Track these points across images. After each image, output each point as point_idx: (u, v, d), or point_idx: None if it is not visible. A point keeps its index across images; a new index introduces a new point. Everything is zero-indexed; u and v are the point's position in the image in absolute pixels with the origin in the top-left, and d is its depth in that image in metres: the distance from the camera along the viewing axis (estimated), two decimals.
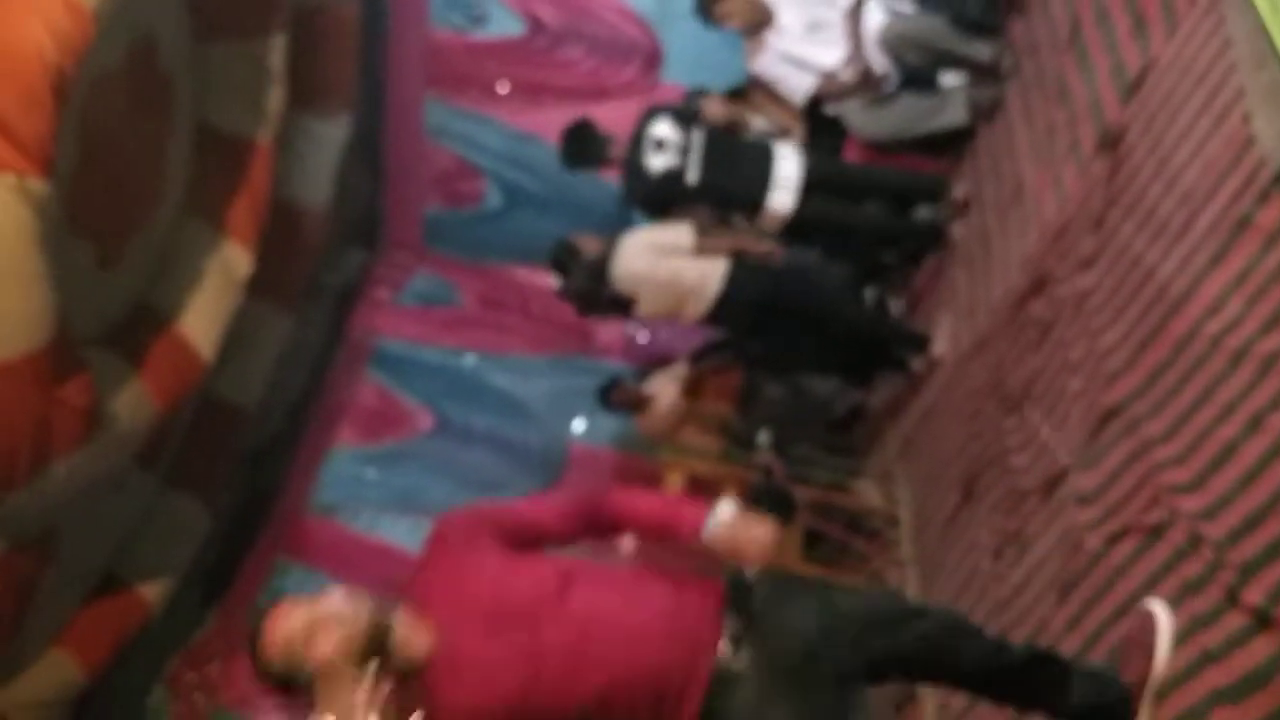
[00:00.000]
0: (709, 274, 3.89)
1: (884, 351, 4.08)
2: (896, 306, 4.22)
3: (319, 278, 4.61)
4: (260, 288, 3.83)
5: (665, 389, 4.30)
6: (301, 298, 4.33)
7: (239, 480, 4.25)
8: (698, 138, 3.97)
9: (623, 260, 3.94)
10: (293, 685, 1.75)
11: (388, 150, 4.89)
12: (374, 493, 4.53)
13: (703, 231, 3.92)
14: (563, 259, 4.07)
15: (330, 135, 4.23)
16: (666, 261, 3.90)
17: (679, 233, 3.94)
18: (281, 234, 3.96)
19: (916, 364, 3.97)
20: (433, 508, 4.52)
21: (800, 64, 4.08)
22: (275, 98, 3.72)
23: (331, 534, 4.39)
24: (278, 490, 4.45)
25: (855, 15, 3.94)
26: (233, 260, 3.71)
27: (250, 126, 3.72)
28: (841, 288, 4.06)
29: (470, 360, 4.87)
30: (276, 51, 3.62)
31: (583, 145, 4.07)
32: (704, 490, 3.80)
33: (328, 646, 1.70)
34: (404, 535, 4.25)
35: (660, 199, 4.06)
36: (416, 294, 5.03)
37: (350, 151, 4.32)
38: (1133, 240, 2.61)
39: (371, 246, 5.10)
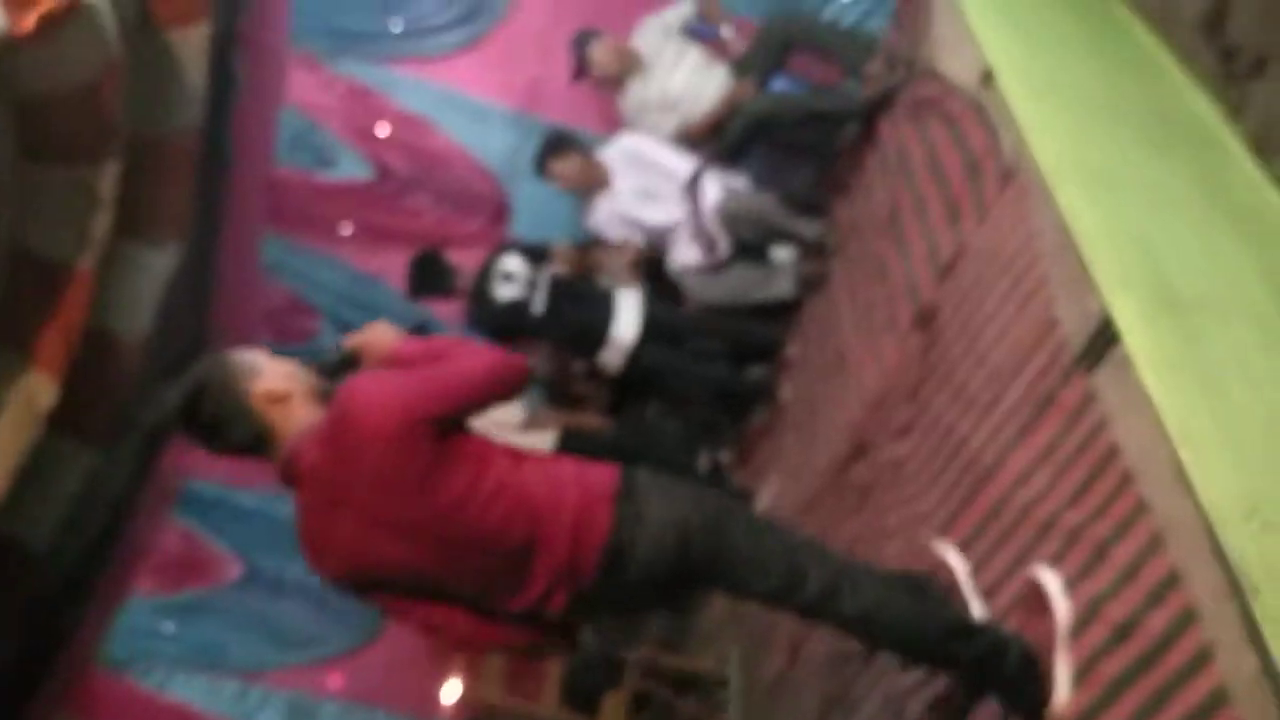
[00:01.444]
0: (536, 448, 3.95)
1: None
2: (726, 457, 4.31)
3: (131, 413, 4.36)
4: (64, 420, 3.61)
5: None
6: (109, 433, 4.08)
7: (21, 628, 3.88)
8: (545, 276, 4.07)
9: None
10: None
11: (218, 283, 4.75)
12: (170, 647, 4.20)
13: (533, 414, 3.99)
14: None
15: (157, 265, 4.09)
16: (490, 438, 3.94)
17: (508, 410, 3.97)
18: (93, 365, 3.76)
19: None
20: (233, 665, 4.25)
21: (632, 224, 4.25)
22: (100, 224, 3.59)
23: (119, 692, 4.03)
24: (64, 641, 4.07)
25: (693, 189, 4.14)
26: (36, 390, 3.49)
27: (71, 252, 3.56)
28: (674, 450, 4.12)
29: (287, 505, 4.65)
30: (108, 178, 3.51)
31: (429, 274, 4.11)
32: (525, 663, 3.73)
33: None
34: (199, 695, 3.94)
35: (504, 327, 4.12)
36: None
37: (177, 283, 4.17)
38: (945, 412, 2.75)
39: None
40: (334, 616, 4.37)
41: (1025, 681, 2.01)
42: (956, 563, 2.29)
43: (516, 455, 2.18)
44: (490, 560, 2.08)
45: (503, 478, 2.08)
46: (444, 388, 2.04)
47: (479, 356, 2.11)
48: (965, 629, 2.15)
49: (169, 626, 4.14)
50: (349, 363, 2.20)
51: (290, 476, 2.09)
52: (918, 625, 2.14)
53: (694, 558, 2.10)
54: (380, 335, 2.21)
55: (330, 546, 2.11)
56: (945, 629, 2.14)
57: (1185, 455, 1.78)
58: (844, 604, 2.10)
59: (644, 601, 2.30)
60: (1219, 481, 1.72)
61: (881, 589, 2.16)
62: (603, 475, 2.16)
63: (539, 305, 4.04)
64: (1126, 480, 1.95)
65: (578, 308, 4.11)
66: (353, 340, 2.23)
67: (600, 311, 4.09)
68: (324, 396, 2.08)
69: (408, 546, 2.04)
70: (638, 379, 4.19)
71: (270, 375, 2.08)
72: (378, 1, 4.29)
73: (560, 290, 4.10)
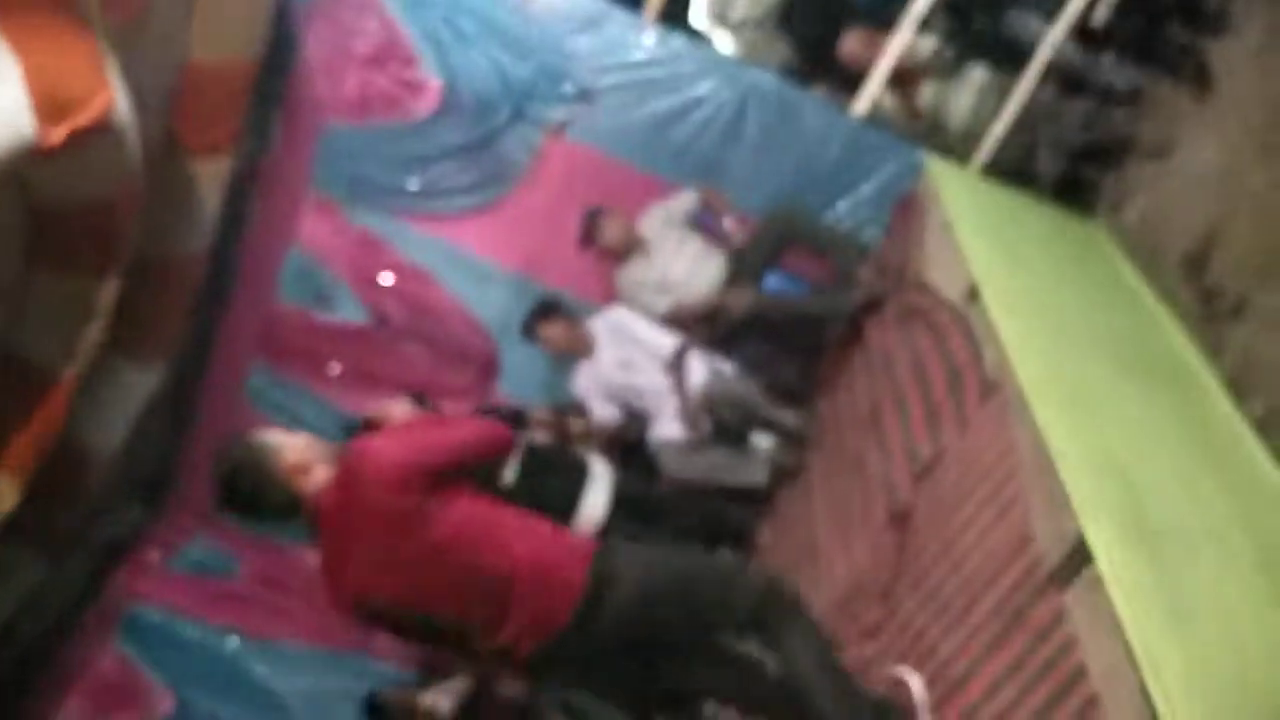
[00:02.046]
0: None
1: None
2: None
3: (88, 527, 4.26)
4: (17, 527, 3.51)
5: (441, 703, 4.07)
6: (61, 546, 3.98)
7: None
8: (520, 443, 4.06)
9: None
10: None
11: (199, 407, 4.73)
12: None
13: None
14: None
15: (138, 383, 4.08)
16: None
17: None
18: (58, 474, 3.69)
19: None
20: None
21: (613, 392, 4.29)
22: (91, 336, 3.59)
23: None
24: None
25: (678, 368, 4.21)
26: None
27: (56, 360, 3.54)
28: None
29: (232, 643, 4.49)
30: (107, 292, 3.53)
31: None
32: None
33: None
34: None
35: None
36: (191, 561, 4.68)
37: (157, 403, 4.16)
38: (916, 615, 2.73)
39: (155, 504, 4.79)
40: None
41: None
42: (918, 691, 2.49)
43: (501, 509, 2.57)
44: (471, 596, 2.45)
45: (488, 527, 2.47)
46: (438, 446, 2.45)
47: (470, 425, 2.60)
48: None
49: None
50: (367, 428, 2.71)
51: (314, 521, 2.51)
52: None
53: (663, 605, 2.52)
54: (397, 411, 2.84)
55: (342, 580, 2.51)
56: None
57: (1151, 682, 1.76)
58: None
59: (607, 665, 2.61)
60: (1184, 712, 1.70)
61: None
62: (581, 538, 2.71)
63: (510, 476, 4.05)
64: (1092, 703, 1.93)
65: (548, 479, 4.11)
66: (374, 411, 2.83)
67: (571, 486, 4.09)
68: (334, 458, 2.50)
69: (402, 581, 2.43)
70: None
71: (292, 451, 2.50)
72: (401, 159, 4.44)
73: (533, 460, 4.09)
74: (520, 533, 2.52)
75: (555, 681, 2.92)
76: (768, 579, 2.69)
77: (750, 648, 2.71)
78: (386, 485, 2.35)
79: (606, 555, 2.55)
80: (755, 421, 4.22)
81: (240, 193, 4.34)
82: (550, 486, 4.09)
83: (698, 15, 5.15)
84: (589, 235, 4.32)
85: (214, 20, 3.65)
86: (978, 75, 4.55)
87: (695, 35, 4.84)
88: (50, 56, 2.66)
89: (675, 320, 4.34)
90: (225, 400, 4.71)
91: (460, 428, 2.56)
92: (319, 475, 2.48)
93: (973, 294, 3.18)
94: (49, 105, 2.64)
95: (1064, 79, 4.49)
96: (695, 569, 2.66)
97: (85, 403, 3.74)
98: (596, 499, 4.07)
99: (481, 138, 4.40)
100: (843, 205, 4.45)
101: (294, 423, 4.61)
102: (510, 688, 4.13)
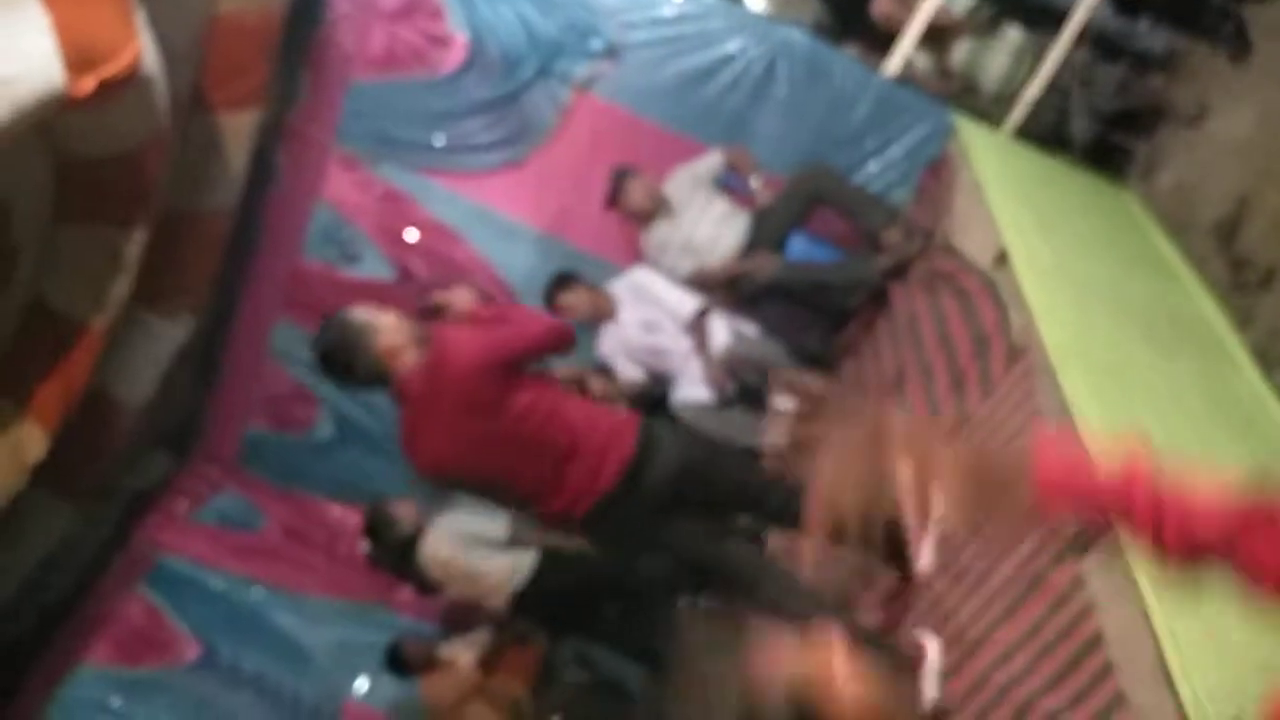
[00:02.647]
0: (516, 568, 3.96)
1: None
2: (704, 605, 4.24)
3: (116, 478, 4.33)
4: (47, 476, 3.57)
5: (462, 655, 4.13)
6: (90, 495, 4.04)
7: None
8: None
9: (429, 545, 3.99)
10: None
11: (225, 362, 4.77)
12: None
13: (516, 529, 3.96)
14: (375, 525, 4.10)
15: (167, 335, 4.12)
16: (473, 551, 3.95)
17: (493, 525, 3.98)
18: (87, 425, 3.74)
19: None
20: None
21: (637, 353, 4.28)
22: (120, 287, 3.62)
23: None
24: (6, 707, 3.94)
25: (698, 328, 4.19)
26: (26, 441, 3.46)
27: (85, 310, 3.58)
28: (657, 589, 4.06)
29: (257, 593, 4.56)
30: (135, 244, 3.55)
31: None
32: None
33: None
34: None
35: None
36: (216, 512, 4.75)
37: (184, 356, 4.20)
38: (935, 581, 2.73)
39: (182, 454, 4.85)
40: (285, 714, 4.24)
41: None
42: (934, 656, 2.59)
43: (561, 393, 3.00)
44: (538, 465, 2.86)
45: (552, 405, 2.88)
46: (512, 343, 2.82)
47: (537, 322, 2.95)
48: None
49: (116, 701, 3.99)
50: (436, 311, 3.14)
51: (400, 397, 2.90)
52: None
53: (697, 473, 3.01)
54: (460, 298, 3.27)
55: (423, 450, 2.89)
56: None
57: (1169, 651, 1.76)
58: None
59: (651, 523, 3.00)
60: (1202, 682, 1.70)
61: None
62: (630, 415, 3.11)
63: None
64: (1107, 670, 1.93)
65: None
66: (439, 297, 3.23)
67: None
68: (421, 340, 2.87)
69: (475, 455, 2.85)
70: None
71: (385, 334, 2.86)
72: (426, 115, 4.41)
73: None
74: (578, 408, 2.96)
75: (604, 537, 3.26)
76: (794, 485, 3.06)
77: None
78: (467, 377, 2.75)
79: (651, 427, 3.03)
80: (778, 383, 4.21)
81: (267, 147, 4.35)
82: None
83: None
84: (614, 198, 4.30)
85: None
86: (1013, 36, 4.48)
87: None
88: (80, 8, 2.66)
89: (699, 282, 4.32)
90: (251, 355, 4.75)
91: (529, 325, 2.89)
92: (408, 358, 2.85)
93: (1001, 259, 3.15)
94: (78, 56, 2.65)
95: (1100, 42, 4.41)
96: (725, 450, 3.31)
97: (113, 355, 3.78)
98: None
99: (508, 94, 4.37)
100: (872, 166, 4.40)
101: (319, 380, 4.64)
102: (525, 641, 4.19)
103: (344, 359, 2.88)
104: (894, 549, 2.80)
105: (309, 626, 4.47)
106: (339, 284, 4.59)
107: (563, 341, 2.95)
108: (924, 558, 2.72)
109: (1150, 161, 4.25)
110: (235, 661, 4.28)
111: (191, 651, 4.28)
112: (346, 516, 4.78)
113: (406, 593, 4.47)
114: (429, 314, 3.09)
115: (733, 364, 4.16)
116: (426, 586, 4.10)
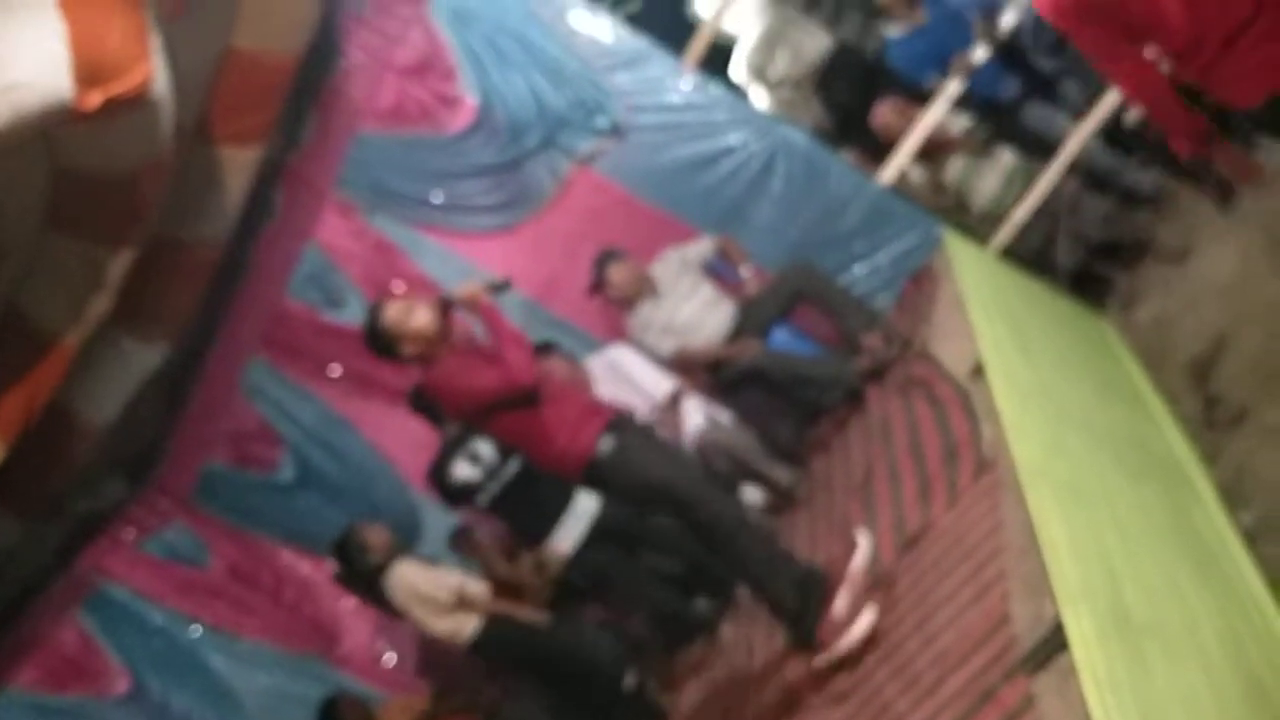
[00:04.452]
0: (457, 633, 3.97)
1: None
2: (651, 683, 4.17)
3: (68, 498, 4.24)
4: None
5: (396, 718, 4.03)
6: (39, 512, 3.96)
7: None
8: (510, 469, 4.07)
9: (395, 576, 4.02)
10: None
11: (193, 393, 4.71)
12: None
13: (463, 592, 3.97)
14: (347, 548, 4.11)
15: (140, 359, 4.08)
16: (418, 608, 3.99)
17: (442, 583, 3.98)
18: (47, 440, 3.68)
19: None
20: None
21: (631, 384, 4.28)
22: (98, 306, 3.60)
23: None
24: None
25: (673, 412, 4.20)
26: None
27: (61, 324, 3.55)
28: (603, 662, 3.99)
29: (195, 632, 4.46)
30: (120, 264, 3.54)
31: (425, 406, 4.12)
32: None
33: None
34: None
35: (449, 501, 4.25)
36: (164, 545, 4.65)
37: (154, 382, 4.15)
38: (886, 686, 2.69)
39: (138, 482, 4.76)
40: None
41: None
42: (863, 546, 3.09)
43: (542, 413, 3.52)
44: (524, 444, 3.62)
45: (537, 431, 3.48)
46: (468, 394, 3.50)
47: (523, 374, 3.48)
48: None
49: None
50: (450, 305, 3.55)
51: (423, 375, 3.60)
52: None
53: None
54: (420, 317, 3.48)
55: (447, 405, 3.64)
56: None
57: None
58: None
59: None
60: None
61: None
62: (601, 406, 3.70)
63: (485, 499, 4.10)
64: None
65: (525, 509, 4.13)
66: (397, 311, 3.49)
67: (545, 521, 4.10)
68: (445, 333, 3.50)
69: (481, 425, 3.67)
70: (584, 581, 4.11)
71: (419, 318, 3.47)
72: (427, 172, 4.46)
73: (518, 486, 4.09)
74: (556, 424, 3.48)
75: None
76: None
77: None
78: (449, 404, 3.59)
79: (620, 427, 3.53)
80: (748, 474, 4.20)
81: (265, 186, 4.37)
82: (527, 515, 4.11)
83: (737, 69, 5.20)
84: (597, 284, 4.34)
85: (260, 12, 3.70)
86: (1006, 159, 4.59)
87: (732, 87, 4.89)
88: (97, 24, 2.69)
89: (678, 364, 4.34)
90: (221, 389, 4.71)
91: (485, 379, 3.44)
92: (436, 354, 3.49)
93: (977, 371, 3.18)
94: (89, 70, 2.66)
95: (1090, 174, 4.52)
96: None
97: (83, 373, 3.74)
98: (565, 538, 4.07)
99: (510, 160, 4.43)
100: (859, 269, 4.47)
101: (286, 421, 4.62)
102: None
103: (385, 342, 3.51)
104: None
105: (243, 671, 4.37)
106: (319, 327, 4.58)
107: (516, 391, 3.44)
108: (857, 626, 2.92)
109: (1131, 294, 4.33)
110: (164, 699, 4.17)
111: (121, 684, 4.17)
112: (296, 563, 4.69)
113: (347, 648, 4.38)
114: (449, 307, 3.55)
115: (704, 449, 4.16)
116: (390, 611, 4.10)
